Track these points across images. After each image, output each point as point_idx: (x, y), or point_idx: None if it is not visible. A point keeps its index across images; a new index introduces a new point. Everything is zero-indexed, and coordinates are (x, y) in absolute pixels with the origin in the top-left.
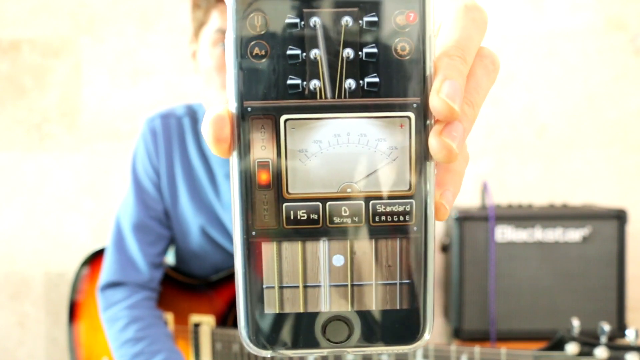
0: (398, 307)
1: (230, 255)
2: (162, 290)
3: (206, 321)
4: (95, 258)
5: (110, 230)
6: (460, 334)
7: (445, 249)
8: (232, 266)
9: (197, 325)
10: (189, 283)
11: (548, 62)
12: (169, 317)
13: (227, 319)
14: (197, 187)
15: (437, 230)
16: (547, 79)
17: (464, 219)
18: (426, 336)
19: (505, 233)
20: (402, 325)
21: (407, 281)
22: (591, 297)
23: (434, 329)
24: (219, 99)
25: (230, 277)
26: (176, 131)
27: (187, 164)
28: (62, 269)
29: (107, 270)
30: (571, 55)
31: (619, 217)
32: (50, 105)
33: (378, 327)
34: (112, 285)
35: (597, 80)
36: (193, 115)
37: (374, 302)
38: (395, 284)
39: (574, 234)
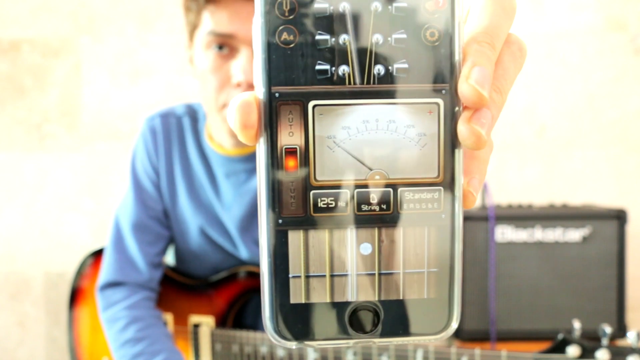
0: (425, 296)
1: (229, 256)
2: (162, 290)
3: (206, 322)
4: (95, 258)
5: (110, 230)
6: (460, 334)
7: None
8: (231, 266)
9: (196, 326)
10: (188, 283)
11: (548, 62)
12: (169, 317)
13: (226, 319)
14: (197, 186)
15: None
16: (547, 79)
17: (464, 219)
18: (453, 325)
19: (505, 233)
20: (429, 314)
21: (435, 270)
22: (591, 297)
23: None
24: (215, 101)
25: (230, 277)
26: (176, 130)
27: (186, 164)
28: (62, 269)
29: (106, 270)
30: (571, 55)
31: (619, 217)
32: (50, 105)
33: (405, 317)
34: (111, 285)
35: (597, 80)
36: (193, 115)
37: (401, 291)
38: (423, 272)
39: (574, 234)
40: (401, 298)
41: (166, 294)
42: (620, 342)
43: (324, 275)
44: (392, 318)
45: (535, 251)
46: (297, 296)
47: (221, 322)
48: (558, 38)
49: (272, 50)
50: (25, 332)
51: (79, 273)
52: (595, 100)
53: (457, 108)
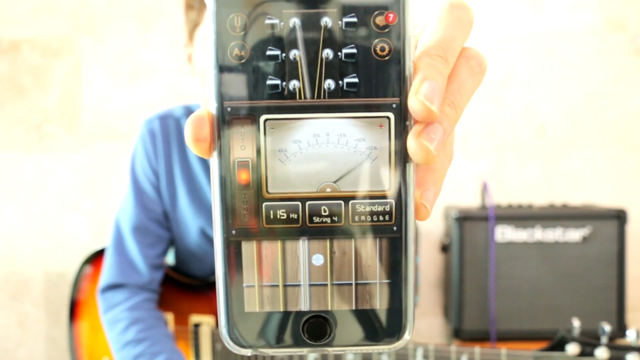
0: (378, 307)
1: None
2: (162, 290)
3: (206, 321)
4: (96, 257)
5: (110, 232)
6: (460, 334)
7: (445, 249)
8: None
9: (197, 326)
10: (188, 283)
11: (548, 62)
12: (169, 317)
13: None
14: (197, 188)
15: (437, 230)
16: (547, 79)
17: (464, 219)
18: (406, 336)
19: (505, 233)
20: (382, 324)
21: (387, 281)
22: (591, 297)
23: (434, 329)
24: None
25: None
26: (175, 132)
27: (186, 165)
28: (62, 269)
29: (107, 272)
30: (571, 55)
31: (619, 217)
32: (50, 105)
33: (358, 327)
34: (112, 287)
35: (597, 80)
36: None
37: (353, 302)
38: (375, 283)
39: (574, 234)
40: (354, 308)
41: (167, 293)
42: (620, 342)
43: (277, 285)
44: (345, 328)
45: (535, 251)
46: (251, 305)
47: None
48: (558, 38)
49: (224, 66)
50: (25, 332)
51: (78, 276)
52: (595, 100)
53: (408, 122)
